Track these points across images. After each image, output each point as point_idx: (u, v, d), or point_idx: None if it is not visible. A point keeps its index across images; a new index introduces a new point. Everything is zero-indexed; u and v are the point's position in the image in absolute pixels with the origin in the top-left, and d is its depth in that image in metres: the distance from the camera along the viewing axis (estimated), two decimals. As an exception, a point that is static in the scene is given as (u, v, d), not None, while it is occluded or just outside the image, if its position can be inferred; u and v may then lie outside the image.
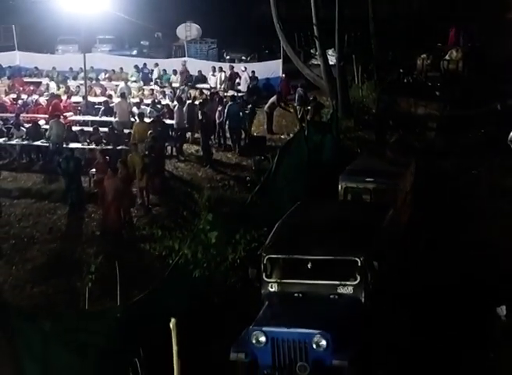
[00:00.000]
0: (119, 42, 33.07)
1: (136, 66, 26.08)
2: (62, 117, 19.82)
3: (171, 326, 5.94)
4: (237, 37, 30.05)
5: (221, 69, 25.04)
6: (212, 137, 19.44)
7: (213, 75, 24.92)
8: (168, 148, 19.11)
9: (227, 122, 19.37)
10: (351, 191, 11.39)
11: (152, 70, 26.07)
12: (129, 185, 14.63)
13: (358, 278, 8.80)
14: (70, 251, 13.40)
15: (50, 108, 20.72)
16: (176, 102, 21.08)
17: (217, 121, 19.35)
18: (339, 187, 11.56)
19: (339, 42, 21.95)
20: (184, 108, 19.60)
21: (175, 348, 5.89)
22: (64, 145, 17.86)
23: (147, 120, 18.67)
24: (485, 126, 17.61)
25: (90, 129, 19.12)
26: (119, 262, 9.34)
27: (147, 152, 15.65)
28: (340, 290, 8.85)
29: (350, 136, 19.07)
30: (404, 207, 11.61)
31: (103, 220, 13.97)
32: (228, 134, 19.62)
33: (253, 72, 25.47)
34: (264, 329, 8.31)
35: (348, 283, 8.83)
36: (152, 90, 23.48)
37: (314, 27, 21.88)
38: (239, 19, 30.03)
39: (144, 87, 24.06)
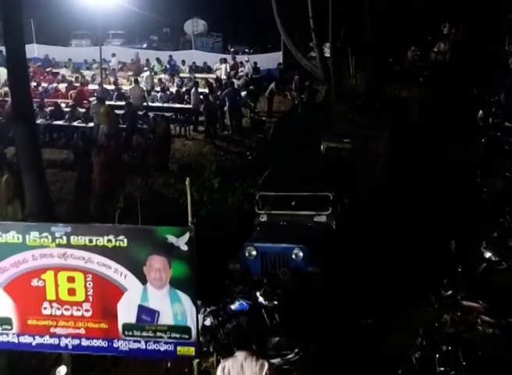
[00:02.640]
0: (129, 37, 35.96)
1: (157, 59, 28.91)
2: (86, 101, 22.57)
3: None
4: (241, 31, 32.77)
5: (225, 61, 27.76)
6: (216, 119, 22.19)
7: (218, 67, 27.84)
8: (177, 128, 21.87)
9: (227, 105, 22.11)
10: (331, 150, 14.04)
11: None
12: (116, 161, 16.44)
13: (330, 209, 11.45)
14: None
15: (76, 94, 23.38)
16: (184, 89, 24.07)
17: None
18: (322, 146, 14.24)
19: (333, 35, 24.64)
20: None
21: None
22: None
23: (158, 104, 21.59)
24: (462, 108, 20.11)
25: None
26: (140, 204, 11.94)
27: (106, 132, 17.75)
28: (316, 218, 11.50)
29: (341, 118, 21.61)
30: (377, 166, 14.21)
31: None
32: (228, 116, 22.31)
33: (255, 63, 28.25)
34: (255, 245, 10.96)
35: (322, 213, 11.48)
36: (160, 78, 26.29)
37: (311, 20, 24.59)
38: (243, 14, 32.66)
39: (156, 76, 26.86)
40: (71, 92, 24.69)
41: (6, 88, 25.28)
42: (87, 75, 27.17)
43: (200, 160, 17.65)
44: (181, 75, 27.48)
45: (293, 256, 10.73)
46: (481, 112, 18.75)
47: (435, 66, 26.58)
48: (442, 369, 7.55)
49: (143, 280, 6.78)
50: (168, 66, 28.65)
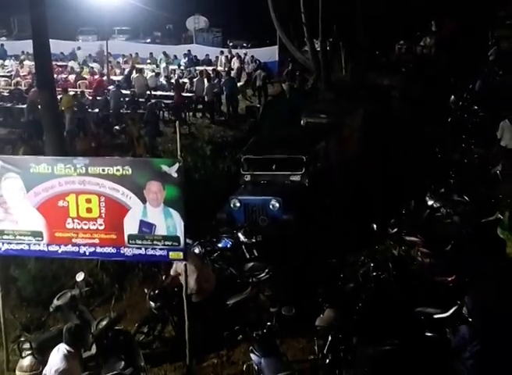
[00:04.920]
0: (134, 32, 38.41)
1: (164, 52, 31.48)
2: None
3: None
4: (240, 27, 35.15)
5: (222, 53, 30.18)
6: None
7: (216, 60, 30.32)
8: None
9: (225, 93, 24.44)
10: (310, 124, 16.31)
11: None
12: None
13: (303, 170, 13.73)
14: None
15: (95, 84, 25.77)
16: (186, 80, 26.59)
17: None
18: (302, 121, 16.53)
19: (323, 29, 26.91)
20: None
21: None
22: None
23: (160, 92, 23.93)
24: (439, 95, 22.33)
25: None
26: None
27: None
28: (292, 178, 13.78)
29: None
30: (351, 138, 16.46)
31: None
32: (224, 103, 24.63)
33: (252, 56, 30.64)
34: (239, 197, 13.25)
35: (297, 173, 13.75)
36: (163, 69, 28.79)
37: (302, 15, 26.85)
38: (242, 10, 35.02)
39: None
40: (79, 82, 27.09)
41: (18, 78, 27.92)
42: (94, 67, 29.61)
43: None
44: (181, 67, 29.92)
45: (271, 206, 13.00)
46: (453, 96, 20.98)
47: (419, 58, 28.84)
48: (375, 273, 9.81)
49: (143, 200, 8.99)
50: (187, 59, 31.21)
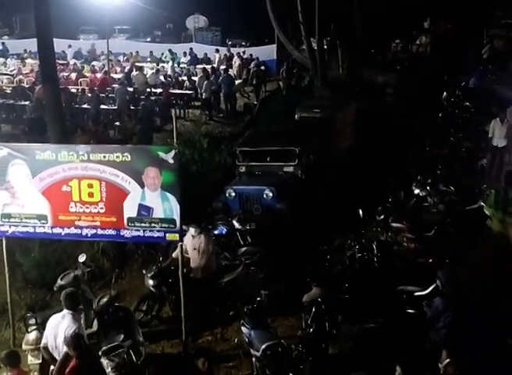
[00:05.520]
0: (134, 31, 39.09)
1: (170, 50, 32.19)
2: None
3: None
4: (239, 26, 35.85)
5: (217, 51, 31.05)
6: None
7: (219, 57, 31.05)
8: (176, 110, 24.83)
9: (223, 91, 25.10)
10: (304, 118, 16.99)
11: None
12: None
13: (296, 161, 14.39)
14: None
15: (99, 81, 26.43)
16: (185, 77, 27.29)
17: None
18: (296, 115, 17.20)
19: (320, 28, 27.56)
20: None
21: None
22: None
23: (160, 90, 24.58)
24: (432, 92, 22.98)
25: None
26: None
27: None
28: (285, 169, 14.45)
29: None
30: (344, 133, 17.12)
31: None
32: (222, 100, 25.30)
33: (250, 54, 31.32)
34: (234, 187, 13.92)
35: (290, 164, 14.43)
36: (163, 67, 29.42)
37: (300, 14, 27.50)
38: (241, 9, 35.69)
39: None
40: (80, 80, 27.75)
41: (21, 76, 28.59)
42: (95, 65, 30.26)
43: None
44: (181, 65, 30.60)
45: (264, 196, 13.67)
46: (445, 93, 21.66)
47: (415, 56, 29.52)
48: (360, 254, 10.48)
49: (141, 185, 9.62)
50: (189, 57, 31.94)
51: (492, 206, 11.63)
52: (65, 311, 8.13)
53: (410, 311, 9.66)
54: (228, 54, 31.16)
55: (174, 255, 10.77)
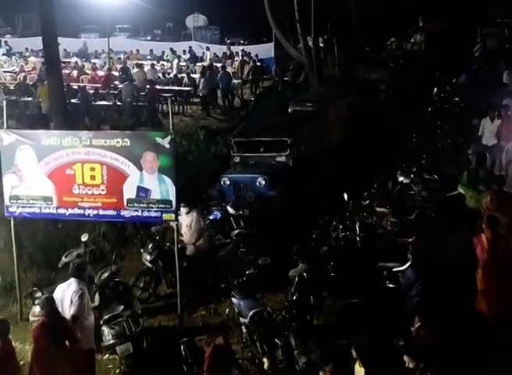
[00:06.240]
0: (135, 30, 40.00)
1: (171, 49, 33.14)
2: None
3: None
4: (238, 25, 36.76)
5: (208, 49, 32.51)
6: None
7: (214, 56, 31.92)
8: (175, 106, 25.71)
9: (221, 88, 25.98)
10: (296, 112, 17.82)
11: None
12: None
13: (288, 151, 15.20)
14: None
15: (104, 78, 27.29)
16: (184, 74, 28.18)
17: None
18: (289, 109, 18.03)
19: (316, 27, 28.41)
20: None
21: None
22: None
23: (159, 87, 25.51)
24: (424, 88, 23.81)
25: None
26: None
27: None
28: (277, 158, 15.25)
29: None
30: (335, 125, 17.92)
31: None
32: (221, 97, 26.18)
33: (248, 52, 32.19)
34: (229, 175, 14.73)
35: (282, 154, 15.23)
36: (163, 65, 30.30)
37: (296, 13, 28.33)
38: (240, 8, 36.60)
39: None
40: (82, 77, 28.63)
41: (23, 73, 29.44)
42: (96, 63, 31.18)
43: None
44: (181, 63, 31.48)
45: (257, 184, 14.47)
46: (435, 89, 22.49)
47: (409, 54, 30.38)
48: (344, 234, 11.30)
49: (140, 168, 10.43)
50: (189, 55, 32.87)
51: (464, 185, 12.51)
52: (72, 279, 8.91)
53: (390, 285, 10.43)
54: (228, 52, 32.01)
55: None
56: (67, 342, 8.18)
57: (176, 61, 31.23)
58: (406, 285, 9.18)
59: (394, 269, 10.42)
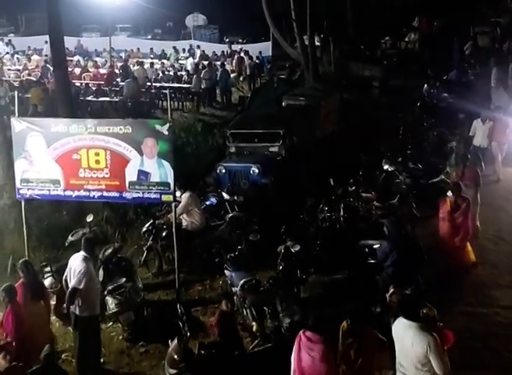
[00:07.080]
0: (136, 29, 41.06)
1: (174, 47, 34.14)
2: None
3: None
4: (236, 24, 37.82)
5: (198, 47, 33.95)
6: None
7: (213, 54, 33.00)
8: (175, 103, 26.76)
9: (219, 85, 27.03)
10: (290, 105, 18.80)
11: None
12: None
13: (281, 142, 16.21)
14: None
15: (106, 75, 28.33)
16: (184, 72, 29.22)
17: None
18: (283, 103, 19.02)
19: (311, 26, 29.44)
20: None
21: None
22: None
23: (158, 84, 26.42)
24: (415, 84, 24.83)
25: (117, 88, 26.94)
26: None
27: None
28: (270, 149, 16.26)
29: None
30: (326, 118, 18.92)
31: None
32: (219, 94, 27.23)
33: (247, 51, 33.21)
34: (224, 164, 15.75)
35: (275, 144, 16.24)
36: (163, 63, 31.37)
37: (292, 12, 29.35)
38: (239, 8, 37.63)
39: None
40: (84, 74, 29.65)
41: (27, 71, 30.44)
42: (98, 61, 32.19)
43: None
44: (180, 61, 32.55)
45: (251, 172, 15.48)
46: (426, 85, 23.49)
47: (403, 53, 31.42)
48: (329, 214, 12.30)
49: (140, 153, 11.37)
50: (188, 54, 33.93)
51: (452, 165, 13.64)
52: (81, 252, 9.86)
53: (370, 261, 11.42)
54: (228, 50, 33.09)
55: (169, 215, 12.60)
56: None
57: (190, 59, 32.24)
58: (381, 257, 10.16)
59: (374, 246, 11.41)
